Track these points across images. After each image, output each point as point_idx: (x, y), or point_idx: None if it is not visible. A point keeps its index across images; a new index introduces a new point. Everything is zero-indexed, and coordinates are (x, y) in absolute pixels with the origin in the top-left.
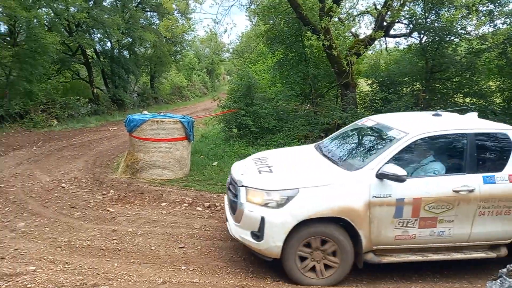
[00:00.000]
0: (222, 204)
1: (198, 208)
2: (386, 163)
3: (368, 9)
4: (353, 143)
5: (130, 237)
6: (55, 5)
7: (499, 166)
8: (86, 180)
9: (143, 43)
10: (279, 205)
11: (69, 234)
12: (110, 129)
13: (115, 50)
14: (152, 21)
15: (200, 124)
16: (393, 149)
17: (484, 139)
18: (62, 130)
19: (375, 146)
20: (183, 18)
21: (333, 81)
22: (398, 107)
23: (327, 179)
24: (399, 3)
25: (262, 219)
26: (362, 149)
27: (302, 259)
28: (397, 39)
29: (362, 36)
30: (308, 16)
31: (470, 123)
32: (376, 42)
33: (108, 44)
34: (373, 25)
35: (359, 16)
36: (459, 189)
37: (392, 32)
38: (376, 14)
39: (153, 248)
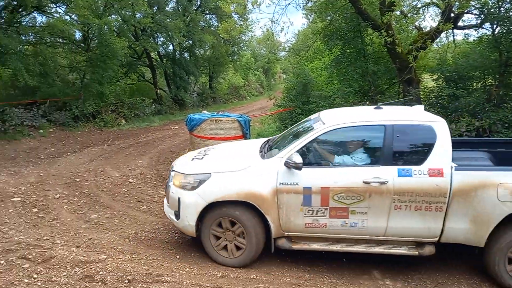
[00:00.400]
0: None
1: None
2: (295, 152)
3: (434, 0)
4: (289, 135)
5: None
6: (123, 12)
7: (419, 159)
8: (150, 176)
9: (202, 44)
10: (193, 187)
11: (135, 226)
12: (172, 128)
13: (176, 53)
14: (211, 23)
15: (256, 122)
16: (305, 139)
17: (406, 131)
18: (129, 129)
19: (298, 137)
20: (241, 19)
21: (394, 77)
22: (468, 103)
23: (238, 165)
24: None
25: (179, 199)
26: (288, 140)
27: (217, 238)
28: (466, 31)
29: (427, 29)
30: (368, 10)
31: (394, 115)
32: (442, 34)
33: (170, 47)
34: (439, 17)
35: (424, 8)
36: (370, 180)
37: (460, 23)
38: (443, 5)
39: None
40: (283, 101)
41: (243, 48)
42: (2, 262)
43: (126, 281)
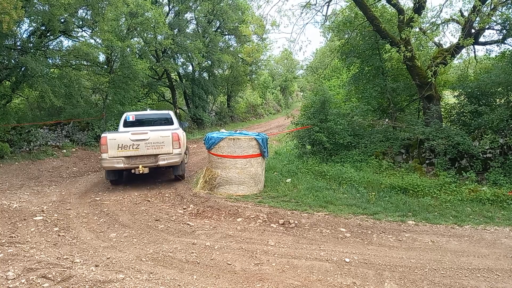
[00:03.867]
0: (296, 221)
1: (272, 225)
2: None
3: (454, 17)
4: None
5: (208, 251)
6: (145, 35)
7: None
8: (169, 194)
9: (221, 64)
10: None
11: (153, 246)
12: (190, 146)
13: (196, 73)
14: (230, 44)
15: (274, 141)
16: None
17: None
18: None
19: None
20: (259, 39)
21: (414, 94)
22: (491, 120)
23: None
24: (489, 8)
25: None
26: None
27: None
28: (488, 46)
29: (447, 45)
30: (386, 28)
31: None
32: (463, 50)
33: (190, 67)
34: (459, 33)
35: (443, 24)
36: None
37: (481, 39)
38: (464, 21)
39: (229, 263)
40: (300, 119)
41: (261, 67)
42: (23, 281)
43: None
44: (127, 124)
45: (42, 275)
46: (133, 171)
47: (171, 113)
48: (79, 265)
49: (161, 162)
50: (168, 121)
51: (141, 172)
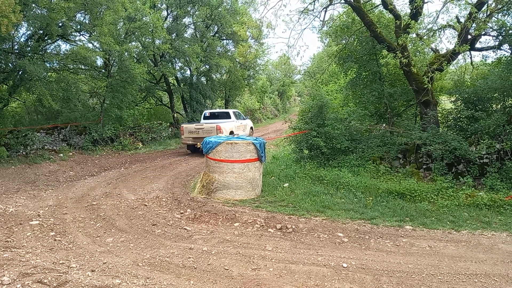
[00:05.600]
0: (294, 226)
1: (270, 230)
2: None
3: (450, 23)
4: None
5: (205, 256)
6: (143, 39)
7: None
8: (166, 199)
9: (219, 69)
10: None
11: (150, 251)
12: (188, 151)
13: (193, 77)
14: (228, 48)
15: (271, 145)
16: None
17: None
18: (146, 152)
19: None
20: (257, 43)
21: (411, 99)
22: (487, 125)
23: None
24: (485, 15)
25: None
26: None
27: None
28: (484, 52)
29: (443, 51)
30: (383, 34)
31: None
32: (459, 56)
33: (188, 72)
34: (455, 39)
35: (440, 30)
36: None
37: (478, 45)
38: (460, 28)
39: (226, 268)
40: (298, 124)
41: (259, 72)
42: (18, 286)
43: None
44: (205, 117)
45: (37, 280)
46: (195, 146)
47: (230, 111)
48: (75, 270)
49: None
50: (227, 116)
51: (198, 146)
